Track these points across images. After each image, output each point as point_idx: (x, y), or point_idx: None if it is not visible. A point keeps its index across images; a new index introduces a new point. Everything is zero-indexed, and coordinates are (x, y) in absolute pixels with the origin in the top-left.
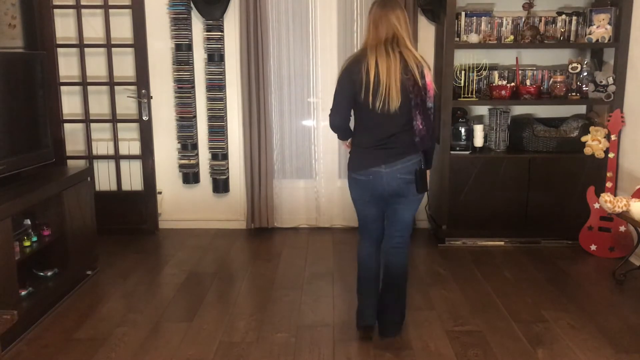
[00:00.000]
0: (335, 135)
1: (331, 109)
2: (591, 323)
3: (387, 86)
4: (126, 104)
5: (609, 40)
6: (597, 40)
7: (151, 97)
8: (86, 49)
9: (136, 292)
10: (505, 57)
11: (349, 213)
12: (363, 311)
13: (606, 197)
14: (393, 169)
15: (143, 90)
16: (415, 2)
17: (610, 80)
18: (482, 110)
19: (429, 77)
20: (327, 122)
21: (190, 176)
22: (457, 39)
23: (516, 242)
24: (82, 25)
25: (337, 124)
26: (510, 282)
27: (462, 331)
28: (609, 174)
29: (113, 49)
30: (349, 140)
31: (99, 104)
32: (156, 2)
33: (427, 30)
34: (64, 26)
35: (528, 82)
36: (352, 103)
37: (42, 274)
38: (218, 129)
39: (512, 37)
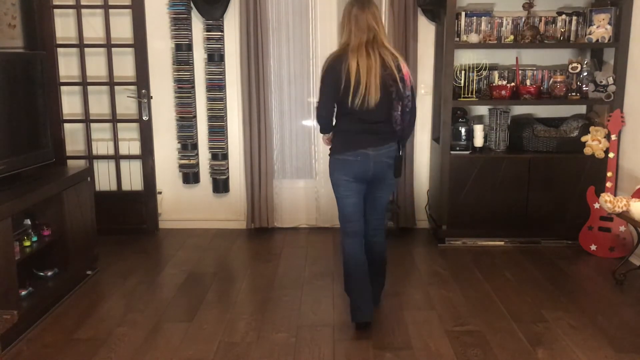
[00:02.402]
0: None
1: (318, 105)
2: (591, 323)
3: (366, 86)
4: (126, 104)
5: (609, 40)
6: (597, 40)
7: (151, 97)
8: (86, 49)
9: (136, 292)
10: (505, 57)
11: None
12: (360, 307)
13: (606, 197)
14: (379, 153)
15: (143, 90)
16: (415, 2)
17: (610, 80)
18: (482, 110)
19: (405, 69)
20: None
21: (190, 176)
22: (457, 39)
23: (516, 242)
24: (82, 25)
25: (324, 116)
26: (510, 282)
27: (462, 331)
28: (609, 174)
29: (113, 49)
30: (329, 135)
31: (99, 104)
32: (156, 2)
33: (427, 30)
34: (64, 26)
35: (528, 82)
36: (336, 98)
37: (42, 274)
38: (218, 129)
39: (512, 37)
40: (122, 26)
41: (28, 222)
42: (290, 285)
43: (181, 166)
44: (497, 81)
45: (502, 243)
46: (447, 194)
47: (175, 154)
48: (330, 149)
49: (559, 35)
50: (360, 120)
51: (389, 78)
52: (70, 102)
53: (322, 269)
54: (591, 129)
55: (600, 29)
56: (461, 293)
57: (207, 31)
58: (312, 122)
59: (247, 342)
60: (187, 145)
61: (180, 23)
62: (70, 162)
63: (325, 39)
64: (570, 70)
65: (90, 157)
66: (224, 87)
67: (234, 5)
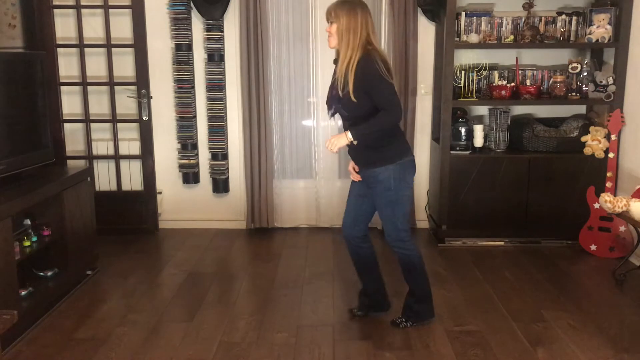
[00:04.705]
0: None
1: (395, 95)
2: (591, 323)
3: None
4: (126, 104)
5: (609, 40)
6: (597, 40)
7: (151, 97)
8: (86, 49)
9: (136, 292)
10: (505, 57)
11: None
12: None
13: (606, 197)
14: None
15: (143, 90)
16: (415, 2)
17: (610, 80)
18: (482, 110)
19: None
20: (327, 122)
21: (190, 176)
22: (457, 39)
23: (516, 242)
24: (82, 25)
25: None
26: (510, 282)
27: (462, 331)
28: (609, 174)
29: (113, 49)
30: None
31: (99, 104)
32: (156, 2)
33: (427, 30)
34: (64, 26)
35: (528, 82)
36: None
37: (42, 274)
38: (218, 129)
39: (512, 37)
40: (122, 26)
41: (28, 222)
42: (290, 285)
43: (181, 166)
44: (497, 81)
45: (502, 243)
46: (447, 194)
47: (175, 154)
48: (388, 156)
49: (559, 35)
50: None
51: None
52: (70, 102)
53: (322, 269)
54: (591, 129)
55: (600, 29)
56: (461, 293)
57: (207, 31)
58: (312, 122)
59: (247, 342)
60: (187, 145)
61: (180, 23)
62: (70, 162)
63: (325, 39)
64: (570, 70)
65: (90, 157)
66: (224, 87)
67: (234, 5)
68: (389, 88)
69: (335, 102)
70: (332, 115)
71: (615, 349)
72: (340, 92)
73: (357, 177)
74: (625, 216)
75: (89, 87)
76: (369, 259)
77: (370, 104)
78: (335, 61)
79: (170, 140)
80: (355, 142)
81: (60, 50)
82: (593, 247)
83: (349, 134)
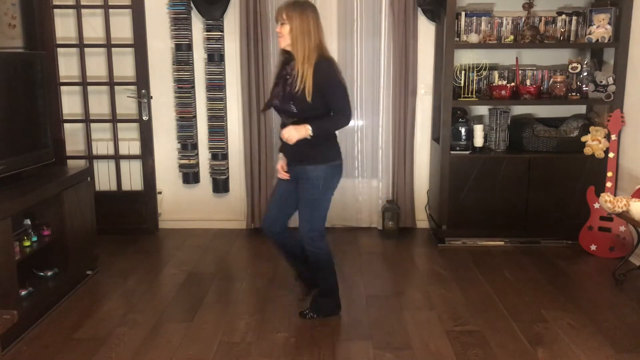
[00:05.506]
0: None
1: (347, 103)
2: (591, 323)
3: None
4: (126, 104)
5: (609, 40)
6: (597, 40)
7: (151, 97)
8: (86, 49)
9: (136, 292)
10: (505, 57)
11: (348, 213)
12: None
13: (606, 197)
14: None
15: (143, 90)
16: (415, 2)
17: (610, 80)
18: (482, 110)
19: None
20: None
21: (190, 176)
22: (457, 39)
23: (516, 242)
24: (82, 25)
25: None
26: (510, 282)
27: (462, 331)
28: (609, 174)
29: (113, 49)
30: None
31: (99, 104)
32: (156, 2)
33: (427, 30)
34: (64, 26)
35: (528, 82)
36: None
37: (42, 274)
38: (218, 129)
39: (512, 37)
40: (122, 26)
41: (28, 222)
42: (290, 285)
43: (181, 166)
44: (497, 81)
45: (502, 243)
46: (447, 194)
47: (175, 154)
48: (321, 155)
49: (559, 35)
50: None
51: None
52: (70, 102)
53: None
54: (591, 129)
55: (600, 29)
56: (461, 293)
57: (207, 31)
58: None
59: (247, 342)
60: (187, 145)
61: (180, 23)
62: (70, 162)
63: (327, 38)
64: (570, 70)
65: (90, 157)
66: (224, 87)
67: (234, 5)
68: (345, 93)
69: (287, 99)
70: (266, 109)
71: (615, 349)
72: (295, 91)
73: (285, 176)
74: (625, 216)
75: (89, 87)
76: (293, 244)
77: (321, 105)
78: (287, 60)
79: (170, 140)
80: (311, 135)
81: (60, 50)
82: (593, 247)
83: (309, 128)
